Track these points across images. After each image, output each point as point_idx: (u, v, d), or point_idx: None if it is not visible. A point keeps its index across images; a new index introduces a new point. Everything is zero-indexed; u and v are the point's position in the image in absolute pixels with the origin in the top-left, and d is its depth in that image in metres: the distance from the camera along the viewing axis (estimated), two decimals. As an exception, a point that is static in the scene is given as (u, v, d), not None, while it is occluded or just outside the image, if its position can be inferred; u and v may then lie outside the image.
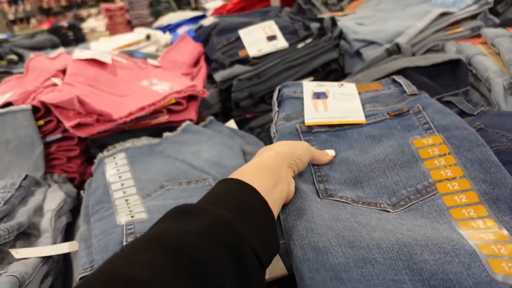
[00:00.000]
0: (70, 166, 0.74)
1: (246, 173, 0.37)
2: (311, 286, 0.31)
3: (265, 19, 1.01)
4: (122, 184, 0.60)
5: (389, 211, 0.41)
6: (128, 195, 0.59)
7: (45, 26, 3.49)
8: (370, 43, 0.83)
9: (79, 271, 0.44)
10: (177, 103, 0.75)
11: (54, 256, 0.53)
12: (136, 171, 0.63)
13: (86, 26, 3.64)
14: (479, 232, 0.35)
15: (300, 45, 0.83)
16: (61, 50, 1.52)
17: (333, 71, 0.86)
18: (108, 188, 0.60)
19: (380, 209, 0.41)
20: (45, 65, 0.98)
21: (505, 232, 0.35)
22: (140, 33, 1.54)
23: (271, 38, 0.86)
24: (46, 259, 0.51)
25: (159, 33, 1.28)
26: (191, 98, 0.78)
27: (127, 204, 0.56)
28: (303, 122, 0.57)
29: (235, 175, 0.37)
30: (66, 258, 0.58)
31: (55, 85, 0.83)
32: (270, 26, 0.90)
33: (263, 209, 0.34)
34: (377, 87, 0.64)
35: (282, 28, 0.89)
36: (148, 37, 1.24)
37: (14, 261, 0.47)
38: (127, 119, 0.69)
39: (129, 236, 0.46)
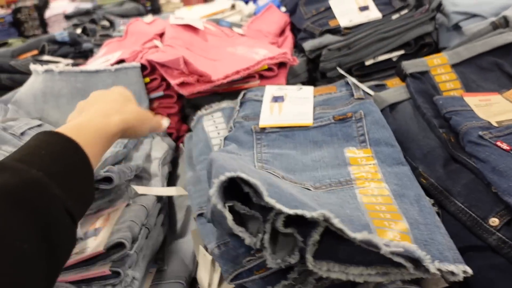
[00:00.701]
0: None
1: (84, 134, 0.37)
2: None
3: (354, -11, 0.99)
4: (221, 140, 0.66)
5: (310, 189, 0.45)
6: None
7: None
8: (472, 16, 0.78)
9: (196, 209, 0.49)
10: (269, 69, 0.78)
11: (164, 197, 0.61)
12: (231, 128, 0.68)
13: (162, -3, 3.79)
14: (379, 212, 0.39)
15: (395, 16, 0.81)
16: (150, 17, 1.61)
17: (426, 45, 0.83)
18: (208, 142, 0.65)
19: (303, 187, 0.46)
20: (142, 29, 1.06)
21: (402, 216, 0.38)
22: (220, 3, 1.58)
23: (363, 8, 0.85)
24: (159, 198, 0.58)
25: (242, 3, 1.31)
26: (281, 65, 0.81)
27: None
28: (257, 124, 0.62)
29: (71, 130, 0.37)
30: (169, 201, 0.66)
31: (156, 46, 0.90)
32: (360, -4, 0.88)
33: (84, 165, 0.35)
34: (330, 90, 0.68)
35: (375, -1, 0.87)
36: (233, 6, 1.28)
37: (136, 196, 0.54)
38: (223, 81, 0.74)
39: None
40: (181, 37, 0.91)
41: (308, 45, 0.83)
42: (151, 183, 0.62)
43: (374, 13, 0.83)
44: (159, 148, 0.71)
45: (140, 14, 2.00)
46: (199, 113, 0.74)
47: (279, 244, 0.36)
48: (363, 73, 0.85)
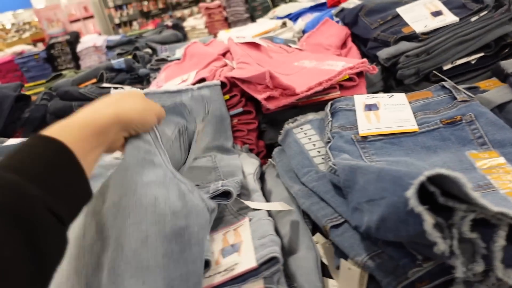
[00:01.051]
0: (249, 138, 0.80)
1: (69, 132, 0.35)
2: None
3: (416, -3, 0.98)
4: (318, 152, 0.64)
5: None
6: (321, 154, 0.63)
7: (150, 27, 3.83)
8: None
9: (324, 221, 0.47)
10: (349, 79, 0.77)
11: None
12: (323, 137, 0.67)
13: (187, 24, 3.90)
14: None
15: (474, 19, 0.79)
16: (192, 41, 1.64)
17: (507, 46, 0.81)
18: (306, 153, 0.64)
19: None
20: (203, 51, 1.08)
21: None
22: (261, 24, 1.61)
23: (436, 13, 0.84)
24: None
25: (290, 21, 1.32)
26: (359, 75, 0.80)
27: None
28: (357, 133, 0.60)
29: (54, 130, 0.35)
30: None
31: (225, 65, 0.91)
32: (432, 2, 0.87)
33: (70, 164, 0.33)
34: (426, 95, 0.66)
35: (445, 3, 0.86)
36: (284, 24, 1.29)
37: (250, 210, 0.53)
38: (307, 93, 0.73)
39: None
40: (251, 54, 0.91)
41: (383, 53, 0.82)
42: (253, 198, 0.60)
43: (450, 17, 0.81)
44: (249, 164, 0.69)
45: (179, 40, 2.05)
46: (287, 126, 0.73)
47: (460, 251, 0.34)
48: (441, 78, 0.83)
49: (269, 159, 0.73)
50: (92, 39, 3.21)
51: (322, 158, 0.63)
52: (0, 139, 0.82)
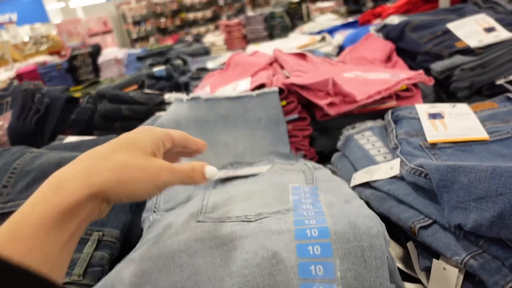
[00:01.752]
0: (303, 144, 0.81)
1: (19, 231, 0.26)
2: None
3: (461, 14, 1.00)
4: (384, 157, 0.65)
5: None
6: (388, 159, 0.63)
7: (169, 42, 3.92)
8: None
9: (409, 223, 0.47)
10: (406, 89, 0.78)
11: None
12: (387, 145, 0.67)
13: (207, 40, 3.98)
14: None
15: (528, 35, 0.81)
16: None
17: (561, 62, 0.82)
18: (371, 158, 0.64)
19: None
20: (249, 60, 1.10)
21: None
22: (294, 39, 1.64)
23: (489, 30, 0.86)
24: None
25: (329, 36, 1.35)
26: (415, 86, 0.81)
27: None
28: (425, 140, 0.60)
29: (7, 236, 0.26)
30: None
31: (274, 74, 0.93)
32: (484, 19, 0.89)
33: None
34: (492, 106, 0.67)
35: (498, 20, 0.87)
36: (323, 38, 1.32)
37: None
38: (367, 101, 0.74)
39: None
40: (301, 63, 0.93)
41: (438, 66, 0.83)
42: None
43: (504, 33, 0.83)
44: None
45: (207, 53, 2.09)
46: (346, 132, 0.74)
47: None
48: (493, 92, 0.84)
49: (328, 165, 0.73)
50: (113, 52, 3.29)
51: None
52: (59, 136, 0.83)
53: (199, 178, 0.36)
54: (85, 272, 0.48)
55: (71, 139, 0.80)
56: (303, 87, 0.77)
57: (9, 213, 0.56)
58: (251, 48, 1.81)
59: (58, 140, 0.82)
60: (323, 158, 0.83)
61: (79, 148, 0.74)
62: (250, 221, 0.41)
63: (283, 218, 0.41)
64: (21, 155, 0.63)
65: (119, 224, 0.54)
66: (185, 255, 0.38)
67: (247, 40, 4.07)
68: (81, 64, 3.42)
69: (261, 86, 0.81)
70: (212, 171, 0.38)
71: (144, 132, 0.36)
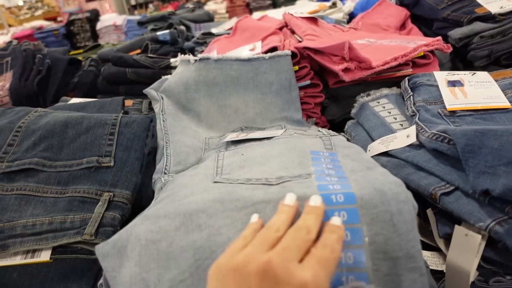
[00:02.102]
0: (315, 111, 0.79)
1: None
2: None
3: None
4: (401, 125, 0.63)
5: None
6: (405, 127, 0.62)
7: (170, 9, 3.80)
8: None
9: (429, 190, 0.46)
10: (423, 56, 0.75)
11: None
12: (404, 112, 0.66)
13: (208, 8, 3.85)
14: None
15: (554, 2, 0.77)
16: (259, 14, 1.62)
17: None
18: (388, 126, 0.63)
19: None
20: (258, 25, 1.06)
21: None
22: (303, 5, 1.58)
23: (512, -5, 0.82)
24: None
25: (340, 2, 1.30)
26: (432, 53, 0.78)
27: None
28: (444, 107, 0.58)
29: None
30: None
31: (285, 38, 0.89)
32: (506, -16, 0.85)
33: None
34: None
35: (521, -14, 0.83)
36: (333, 4, 1.27)
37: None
38: (383, 67, 0.71)
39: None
40: (313, 28, 0.90)
41: (456, 33, 0.80)
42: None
43: (528, -1, 0.79)
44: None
45: (210, 20, 2.02)
46: (361, 100, 0.71)
47: None
48: (511, 62, 0.81)
49: (341, 133, 0.71)
50: (112, 18, 3.18)
51: (404, 128, 0.62)
52: (63, 98, 0.81)
53: None
54: (97, 232, 0.47)
55: (75, 100, 0.78)
56: (317, 51, 0.74)
57: (16, 172, 0.54)
58: (256, 15, 1.75)
59: (62, 101, 0.80)
60: (334, 127, 0.81)
61: (85, 109, 0.71)
62: (272, 184, 0.40)
63: (306, 183, 0.39)
64: (25, 114, 0.61)
65: (129, 185, 0.52)
66: (203, 215, 0.37)
67: (250, 8, 3.95)
68: (79, 30, 3.32)
69: (273, 49, 0.78)
70: None
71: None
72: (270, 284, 0.26)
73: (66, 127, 0.57)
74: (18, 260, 0.48)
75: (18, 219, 0.50)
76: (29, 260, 0.48)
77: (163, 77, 0.83)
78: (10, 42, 1.14)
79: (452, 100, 0.61)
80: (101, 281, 0.39)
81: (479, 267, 0.42)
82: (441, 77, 0.66)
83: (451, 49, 0.76)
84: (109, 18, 3.23)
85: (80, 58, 1.38)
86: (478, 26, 0.79)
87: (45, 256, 0.48)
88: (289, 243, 0.29)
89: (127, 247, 0.37)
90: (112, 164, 0.54)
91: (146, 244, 0.36)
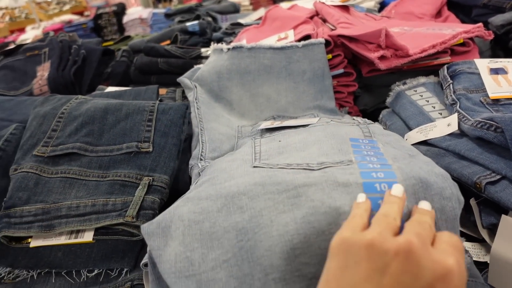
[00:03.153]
0: (347, 100, 0.78)
1: None
2: None
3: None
4: (440, 114, 0.61)
5: None
6: (444, 116, 0.60)
7: (195, 1, 3.82)
8: None
9: (473, 180, 0.45)
10: (463, 44, 0.73)
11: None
12: (442, 101, 0.64)
13: (232, 0, 3.86)
14: None
15: None
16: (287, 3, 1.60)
17: None
18: (426, 114, 0.61)
19: None
20: (288, 14, 1.05)
21: None
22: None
23: (559, -21, 0.78)
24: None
25: (370, -10, 1.27)
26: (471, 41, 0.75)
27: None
28: (486, 96, 0.56)
29: None
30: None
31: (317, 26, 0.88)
32: (553, -32, 0.81)
33: None
34: None
35: None
36: (365, -8, 1.24)
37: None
38: (421, 55, 0.69)
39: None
40: (346, 16, 0.88)
41: (498, 19, 0.77)
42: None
43: None
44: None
45: (236, 11, 2.02)
46: (397, 88, 0.70)
47: None
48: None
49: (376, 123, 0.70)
50: (138, 11, 3.23)
51: (441, 115, 0.60)
52: (100, 87, 0.83)
53: None
54: (138, 215, 0.48)
55: (111, 89, 0.80)
56: (351, 39, 0.73)
57: (60, 156, 0.57)
58: (285, 5, 1.73)
59: (99, 90, 0.82)
60: (366, 117, 0.80)
61: (122, 96, 0.73)
62: (313, 169, 0.40)
63: (348, 169, 0.39)
64: (67, 101, 0.63)
65: (168, 170, 0.54)
66: (245, 198, 0.38)
67: (273, 0, 3.91)
68: (106, 24, 3.39)
69: (306, 37, 0.78)
70: None
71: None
72: (412, 266, 0.25)
73: (106, 113, 0.59)
74: (62, 240, 0.50)
75: (63, 201, 0.51)
76: (73, 240, 0.50)
77: (196, 67, 0.84)
78: (47, 33, 1.18)
79: (496, 88, 0.59)
80: (145, 260, 0.40)
81: (526, 259, 0.41)
82: (483, 64, 0.64)
83: (492, 36, 0.73)
84: (135, 12, 3.28)
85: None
86: (521, 12, 0.76)
87: (88, 236, 0.50)
88: (418, 230, 0.28)
89: (170, 227, 0.38)
90: (150, 149, 0.55)
91: (189, 224, 0.37)
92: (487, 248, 0.46)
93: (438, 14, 0.99)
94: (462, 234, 0.49)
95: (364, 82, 0.81)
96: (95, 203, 0.51)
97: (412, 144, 0.58)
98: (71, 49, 1.00)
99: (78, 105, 0.61)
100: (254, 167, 0.44)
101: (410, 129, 0.61)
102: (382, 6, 1.28)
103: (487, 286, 0.39)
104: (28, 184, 0.53)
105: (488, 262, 0.43)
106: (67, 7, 5.72)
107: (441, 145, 0.53)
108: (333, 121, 0.57)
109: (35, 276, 0.49)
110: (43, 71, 0.94)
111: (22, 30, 3.41)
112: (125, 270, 0.48)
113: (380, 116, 0.71)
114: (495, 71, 0.62)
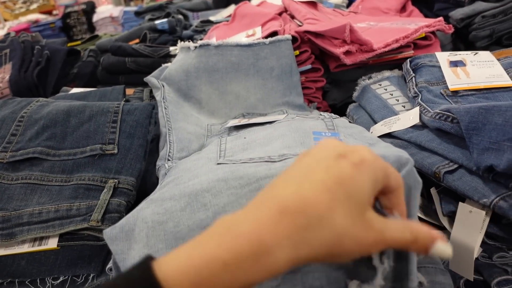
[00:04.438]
0: (316, 96, 0.79)
1: (193, 272, 0.22)
2: None
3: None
4: (403, 106, 0.63)
5: None
6: (407, 109, 0.62)
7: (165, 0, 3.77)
8: None
9: (433, 170, 0.46)
10: (425, 38, 0.75)
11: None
12: (406, 94, 0.65)
13: (205, -3, 3.83)
14: None
15: (556, -21, 0.76)
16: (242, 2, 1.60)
17: None
18: (390, 107, 0.63)
19: None
20: (257, 11, 1.05)
21: None
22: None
23: (513, -26, 0.81)
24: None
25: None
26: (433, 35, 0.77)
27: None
28: (446, 88, 0.59)
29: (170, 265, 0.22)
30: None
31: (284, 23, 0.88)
32: (508, -38, 0.84)
33: None
34: None
35: (522, -36, 0.82)
36: (333, -12, 1.25)
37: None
38: (384, 50, 0.71)
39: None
40: (314, 12, 0.89)
41: (458, 13, 0.79)
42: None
43: (530, -23, 0.78)
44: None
45: (208, 8, 2.00)
46: (363, 83, 0.71)
47: None
48: (513, 42, 0.81)
49: (343, 117, 0.71)
50: (109, 10, 3.15)
51: (403, 107, 0.62)
52: (64, 88, 0.81)
53: (420, 251, 0.26)
54: (103, 218, 0.47)
55: (76, 90, 0.77)
56: (317, 35, 0.74)
57: (20, 161, 0.55)
58: (255, 1, 1.73)
59: (63, 92, 0.80)
60: (335, 112, 0.81)
61: (86, 98, 0.71)
62: (274, 161, 0.40)
63: None
64: (27, 104, 0.61)
65: (134, 172, 0.53)
66: (208, 195, 0.37)
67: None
68: (75, 23, 3.29)
69: (273, 34, 0.78)
70: (445, 250, 0.26)
71: (364, 171, 0.25)
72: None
73: (69, 115, 0.57)
74: (25, 248, 0.49)
75: (24, 208, 0.50)
76: (36, 248, 0.49)
77: (163, 65, 0.83)
78: (8, 34, 1.13)
79: (455, 80, 0.61)
80: (110, 265, 0.39)
81: (483, 243, 0.43)
82: (443, 57, 0.66)
83: (452, 29, 0.76)
84: (106, 10, 3.19)
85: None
86: (479, 5, 0.78)
87: (52, 243, 0.49)
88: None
89: (134, 230, 0.37)
90: (116, 151, 0.54)
91: (153, 225, 0.37)
92: (448, 235, 0.47)
93: (403, 9, 1.02)
94: (424, 222, 0.50)
95: (332, 78, 0.82)
96: (58, 209, 0.49)
97: (377, 137, 0.60)
98: (34, 50, 0.96)
99: (39, 108, 0.59)
100: (218, 164, 0.44)
101: (375, 122, 0.63)
102: (350, 2, 1.30)
103: (447, 272, 0.40)
104: (-14, 192, 0.51)
105: (449, 248, 0.45)
106: (34, 6, 5.51)
107: (404, 137, 0.55)
108: (298, 116, 0.58)
109: (-3, 287, 0.48)
110: (4, 73, 0.91)
111: (-15, 31, 3.27)
112: (91, 275, 0.47)
113: (348, 110, 0.73)
114: (455, 64, 0.64)
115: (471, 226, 0.42)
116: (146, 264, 0.22)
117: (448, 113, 0.47)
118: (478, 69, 0.62)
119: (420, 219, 0.50)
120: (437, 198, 0.47)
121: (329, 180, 0.24)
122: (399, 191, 0.28)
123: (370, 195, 0.25)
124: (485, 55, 0.65)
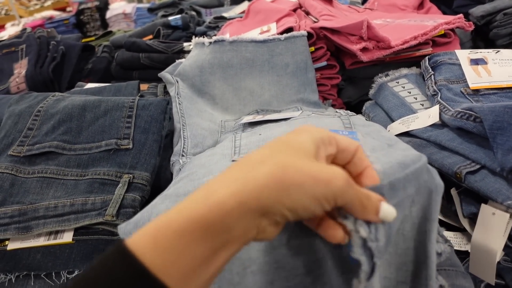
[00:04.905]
0: (331, 93, 0.78)
1: (161, 244, 0.23)
2: None
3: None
4: (422, 105, 0.61)
5: None
6: (426, 107, 0.60)
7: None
8: None
9: (454, 169, 0.45)
10: (444, 35, 0.73)
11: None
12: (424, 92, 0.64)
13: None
14: None
15: None
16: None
17: None
18: (408, 105, 0.61)
19: None
20: (271, 7, 1.04)
21: None
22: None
23: (537, -31, 0.78)
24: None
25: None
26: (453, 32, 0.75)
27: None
28: (467, 86, 0.57)
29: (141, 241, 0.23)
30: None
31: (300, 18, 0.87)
32: (532, -42, 0.81)
33: None
34: None
35: (547, -41, 0.80)
36: (348, -16, 1.24)
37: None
38: (402, 47, 0.69)
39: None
40: (329, 9, 0.88)
41: (478, 10, 0.77)
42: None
43: (555, -27, 0.76)
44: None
45: (221, 5, 2.00)
46: (380, 80, 0.70)
47: None
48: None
49: (359, 115, 0.70)
50: (122, 6, 3.17)
51: (422, 105, 0.61)
52: (79, 83, 0.81)
53: (370, 211, 0.26)
54: (118, 213, 0.47)
55: (91, 85, 0.78)
56: (334, 31, 0.73)
57: (37, 155, 0.55)
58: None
59: (78, 86, 0.80)
60: (350, 109, 0.80)
61: (101, 93, 0.72)
62: None
63: None
64: (44, 98, 0.61)
65: (148, 167, 0.53)
66: None
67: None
68: (89, 19, 3.31)
69: (288, 30, 0.77)
70: (388, 211, 0.27)
71: (302, 133, 0.28)
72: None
73: (84, 110, 0.58)
74: (41, 241, 0.49)
75: (40, 201, 0.50)
76: (52, 241, 0.49)
77: (178, 61, 0.83)
78: (24, 29, 1.14)
79: (475, 78, 0.59)
80: (124, 260, 0.39)
81: (506, 247, 0.41)
82: (464, 55, 0.64)
83: (472, 27, 0.74)
84: (118, 7, 3.21)
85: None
86: (501, 2, 0.76)
87: (67, 237, 0.49)
88: None
89: None
90: (130, 146, 0.54)
91: None
92: (468, 237, 0.46)
93: (420, 6, 1.00)
94: (444, 224, 0.49)
95: (348, 75, 0.81)
96: (74, 203, 0.49)
97: (394, 135, 0.58)
98: (49, 45, 0.97)
99: (55, 102, 0.60)
100: (233, 161, 0.43)
101: (392, 120, 0.62)
102: (365, -1, 1.28)
103: (468, 275, 0.39)
104: (3, 185, 0.51)
105: (469, 251, 0.44)
106: (48, 3, 5.58)
107: (423, 136, 0.53)
108: (314, 114, 0.57)
109: (13, 280, 0.48)
110: (21, 69, 0.92)
111: (1, 27, 3.32)
112: (106, 270, 0.47)
113: (363, 108, 0.71)
114: (475, 62, 0.63)
115: (493, 228, 0.40)
116: (120, 240, 0.23)
117: (470, 112, 0.46)
118: (500, 68, 0.60)
119: (439, 220, 0.49)
120: (458, 199, 0.46)
121: (273, 143, 0.27)
122: (359, 150, 0.29)
123: (313, 149, 0.26)
124: (508, 53, 0.63)
